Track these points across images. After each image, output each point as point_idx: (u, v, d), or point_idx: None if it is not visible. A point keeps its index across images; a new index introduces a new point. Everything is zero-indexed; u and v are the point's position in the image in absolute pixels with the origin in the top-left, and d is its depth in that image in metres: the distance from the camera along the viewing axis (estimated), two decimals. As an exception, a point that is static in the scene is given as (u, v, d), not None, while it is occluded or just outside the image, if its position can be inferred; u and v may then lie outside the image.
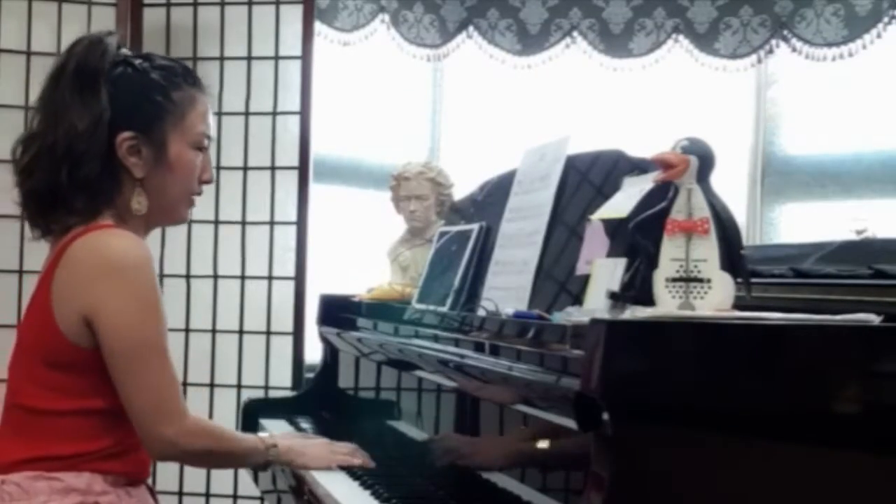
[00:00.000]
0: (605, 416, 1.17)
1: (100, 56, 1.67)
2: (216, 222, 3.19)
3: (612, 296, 1.38)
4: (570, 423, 1.24)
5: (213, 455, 1.75)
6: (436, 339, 1.84)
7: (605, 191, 1.69)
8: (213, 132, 1.78)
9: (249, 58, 3.20)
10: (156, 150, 1.68)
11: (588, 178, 1.79)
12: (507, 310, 1.65)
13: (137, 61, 1.72)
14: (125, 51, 1.74)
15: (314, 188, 3.20)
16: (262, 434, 1.88)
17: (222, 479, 3.13)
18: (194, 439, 1.66)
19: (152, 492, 1.78)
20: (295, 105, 3.16)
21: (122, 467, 1.66)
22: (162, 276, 3.15)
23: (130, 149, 1.66)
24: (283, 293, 3.16)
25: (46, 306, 1.62)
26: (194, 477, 3.12)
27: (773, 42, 3.81)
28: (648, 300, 1.36)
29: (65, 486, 1.61)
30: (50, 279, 1.63)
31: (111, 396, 1.63)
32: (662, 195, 1.40)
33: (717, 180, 1.40)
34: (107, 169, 1.65)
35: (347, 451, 1.90)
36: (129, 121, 1.65)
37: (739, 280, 1.38)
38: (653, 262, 1.37)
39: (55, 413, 1.63)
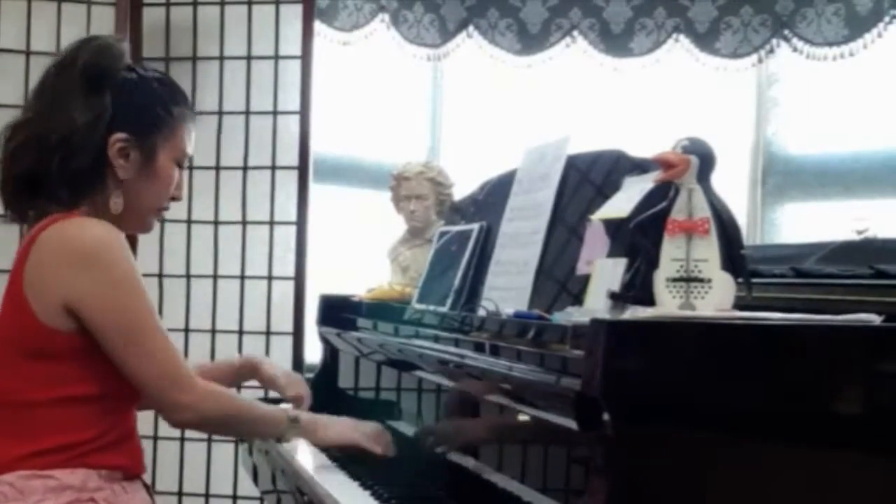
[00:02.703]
0: (605, 416, 1.17)
1: (111, 59, 1.73)
2: (216, 222, 3.19)
3: (613, 296, 1.38)
4: (570, 423, 1.24)
5: (234, 420, 1.78)
6: (436, 339, 1.84)
7: (606, 191, 1.68)
8: (192, 152, 1.84)
9: (249, 57, 3.20)
10: (144, 157, 1.73)
11: (588, 178, 1.79)
12: (508, 310, 1.64)
13: (142, 71, 1.79)
14: (131, 63, 1.80)
15: (314, 188, 3.20)
16: (283, 405, 1.91)
17: (222, 479, 3.13)
18: (212, 403, 1.70)
19: (148, 488, 1.78)
20: (295, 105, 3.16)
21: (115, 460, 1.67)
22: (161, 275, 3.15)
23: (120, 150, 1.70)
24: (283, 293, 3.16)
25: (20, 297, 1.64)
26: (194, 477, 3.12)
27: (774, 42, 3.81)
28: (649, 300, 1.36)
29: (59, 483, 1.61)
30: (21, 270, 1.65)
31: (96, 382, 1.65)
32: (663, 195, 1.40)
33: (717, 180, 1.40)
34: (95, 165, 1.69)
35: (372, 432, 1.88)
36: (126, 124, 1.71)
37: (740, 280, 1.38)
38: (653, 262, 1.37)
39: (42, 404, 1.64)
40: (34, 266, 1.64)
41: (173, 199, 1.82)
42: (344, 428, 1.88)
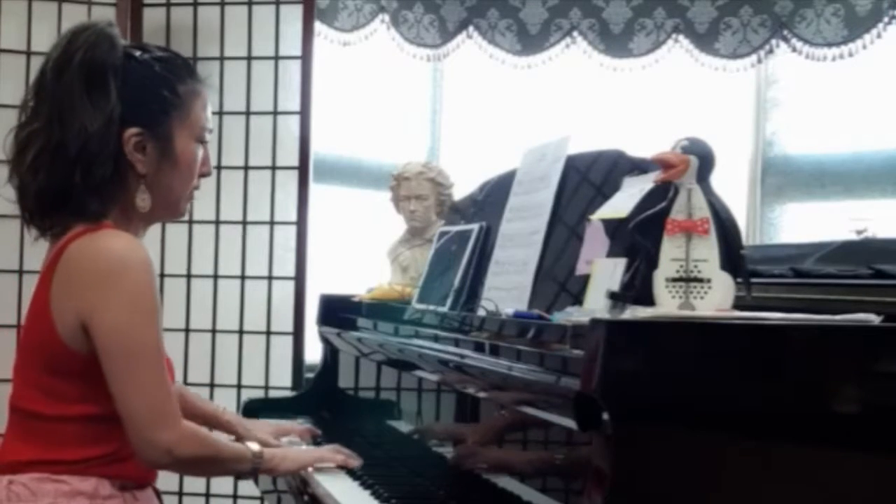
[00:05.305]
0: (605, 416, 1.17)
1: (108, 50, 1.61)
2: (216, 222, 3.19)
3: (612, 296, 1.38)
4: (570, 423, 1.24)
5: (205, 462, 1.69)
6: (436, 339, 1.84)
7: (605, 191, 1.69)
8: (212, 124, 1.75)
9: (249, 58, 3.21)
10: (162, 146, 1.64)
11: (588, 178, 1.79)
12: (507, 310, 1.65)
13: (138, 53, 1.66)
14: (125, 42, 1.67)
15: (314, 188, 3.20)
16: (247, 442, 1.85)
17: (222, 478, 3.12)
18: (188, 446, 1.60)
19: (158, 495, 1.77)
20: (295, 105, 3.16)
21: (128, 471, 1.64)
22: (162, 276, 3.15)
23: (137, 145, 1.61)
24: (283, 293, 3.17)
25: (46, 310, 1.59)
26: (194, 477, 3.12)
27: (773, 42, 3.81)
28: (648, 300, 1.36)
29: (71, 489, 1.59)
30: (49, 282, 1.59)
31: (111, 402, 1.58)
32: (662, 195, 1.40)
33: (717, 180, 1.41)
34: (116, 168, 1.60)
35: (330, 450, 1.89)
36: (135, 116, 1.61)
37: (739, 280, 1.38)
38: (653, 262, 1.37)
39: (58, 419, 1.60)
40: (59, 283, 1.58)
41: (203, 175, 1.73)
42: (301, 455, 1.88)
